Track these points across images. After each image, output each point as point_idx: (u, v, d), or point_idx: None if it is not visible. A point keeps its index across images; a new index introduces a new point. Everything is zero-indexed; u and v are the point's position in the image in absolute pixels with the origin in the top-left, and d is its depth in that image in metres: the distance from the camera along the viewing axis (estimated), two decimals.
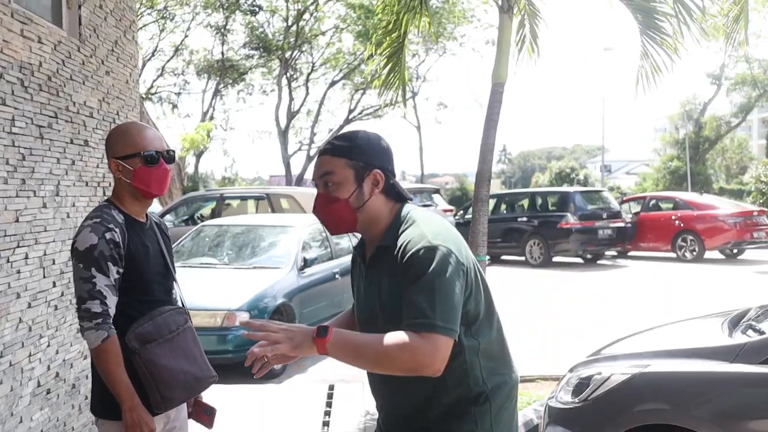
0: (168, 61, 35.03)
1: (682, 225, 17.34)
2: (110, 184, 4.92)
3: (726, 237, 16.89)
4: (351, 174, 2.15)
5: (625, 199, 20.90)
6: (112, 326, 2.56)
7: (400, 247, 2.07)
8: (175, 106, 37.44)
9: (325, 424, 5.60)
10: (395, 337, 1.95)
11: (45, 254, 3.99)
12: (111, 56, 5.08)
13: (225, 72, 35.87)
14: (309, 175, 41.54)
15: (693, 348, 3.70)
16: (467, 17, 31.66)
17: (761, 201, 20.70)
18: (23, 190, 3.76)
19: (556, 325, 9.71)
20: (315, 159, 2.29)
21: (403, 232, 2.12)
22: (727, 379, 3.42)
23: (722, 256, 17.80)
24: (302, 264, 8.51)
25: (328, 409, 5.98)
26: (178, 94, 37.53)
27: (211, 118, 36.37)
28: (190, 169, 34.95)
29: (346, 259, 9.52)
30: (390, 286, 2.10)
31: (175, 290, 2.90)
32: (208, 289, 7.65)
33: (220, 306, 7.18)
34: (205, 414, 2.97)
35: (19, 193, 3.71)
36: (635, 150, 77.96)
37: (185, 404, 2.91)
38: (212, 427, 3.01)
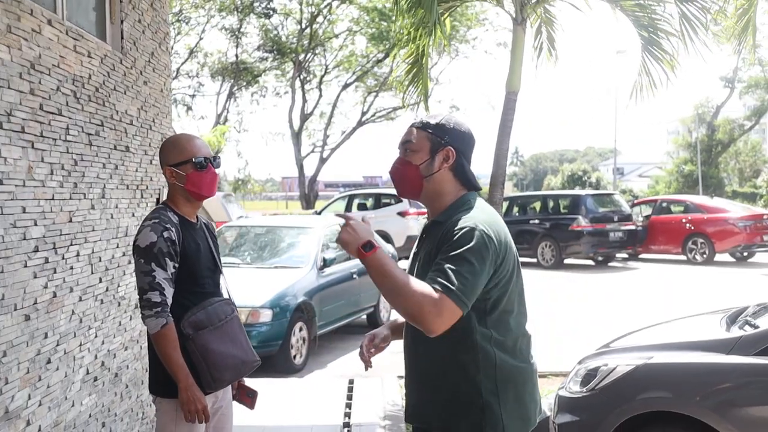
0: (183, 63, 35.41)
1: (692, 228, 17.56)
2: (148, 187, 5.27)
3: (736, 240, 17.10)
4: (427, 145, 2.44)
5: (636, 202, 21.11)
6: (170, 314, 2.91)
7: (449, 225, 2.32)
8: (189, 108, 37.85)
9: (346, 415, 5.90)
10: (418, 285, 2.18)
11: (93, 252, 4.31)
12: (148, 67, 5.41)
13: (239, 74, 36.22)
14: (322, 176, 41.88)
15: (693, 341, 3.99)
16: (480, 20, 31.87)
17: None
18: (75, 193, 4.08)
19: (567, 325, 9.99)
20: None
21: (457, 214, 2.36)
22: (723, 370, 3.71)
23: (732, 259, 17.99)
24: (321, 264, 8.81)
25: (348, 401, 6.27)
26: (193, 96, 37.93)
27: (225, 120, 36.71)
28: None
29: None
30: (426, 257, 2.39)
31: (222, 283, 3.24)
32: (232, 288, 7.98)
33: (245, 303, 7.49)
34: (247, 396, 3.30)
35: (72, 195, 4.04)
36: (648, 153, 77.79)
37: (230, 386, 3.23)
38: (254, 409, 3.33)
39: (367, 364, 2.71)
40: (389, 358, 3.13)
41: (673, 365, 3.89)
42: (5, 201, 3.31)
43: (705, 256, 17.27)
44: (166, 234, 2.93)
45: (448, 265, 2.20)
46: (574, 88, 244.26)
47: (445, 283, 2.17)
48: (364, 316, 10.17)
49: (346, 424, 5.64)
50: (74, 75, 4.08)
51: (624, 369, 3.99)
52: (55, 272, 3.81)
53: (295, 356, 8.04)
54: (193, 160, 3.02)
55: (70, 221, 4.02)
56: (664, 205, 19.19)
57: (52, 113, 3.80)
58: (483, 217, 2.33)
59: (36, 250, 3.61)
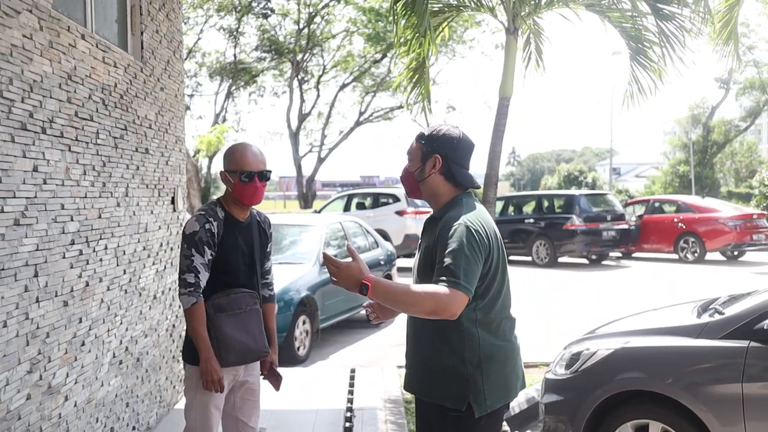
0: (182, 62, 35.60)
1: (684, 227, 17.96)
2: (164, 186, 5.66)
3: (726, 239, 17.48)
4: (419, 154, 2.89)
5: (629, 201, 21.50)
6: (201, 295, 3.36)
7: (442, 222, 2.73)
8: (187, 108, 38.11)
9: (349, 401, 6.27)
10: (425, 290, 2.56)
11: (118, 246, 4.70)
12: (164, 74, 5.79)
13: (237, 74, 36.44)
14: (320, 176, 42.21)
15: (666, 327, 4.39)
16: (476, 22, 32.18)
17: (765, 205, 21.20)
18: (104, 192, 4.47)
19: (559, 320, 10.38)
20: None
21: (449, 211, 2.78)
22: (693, 352, 4.10)
23: (723, 258, 18.37)
24: (323, 261, 9.18)
25: (351, 389, 6.65)
26: (191, 96, 38.09)
27: (224, 119, 36.92)
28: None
29: (364, 257, 10.21)
30: (425, 249, 2.81)
31: (259, 278, 3.62)
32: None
33: None
34: (275, 379, 3.76)
35: (101, 194, 4.42)
36: (644, 153, 78.27)
37: (258, 364, 3.66)
38: (278, 390, 3.81)
39: (370, 316, 3.21)
40: (389, 350, 3.55)
41: (648, 348, 4.28)
42: (48, 199, 3.70)
43: (696, 254, 17.68)
44: (207, 225, 3.37)
45: (448, 263, 2.58)
46: (571, 89, 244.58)
47: (451, 278, 2.55)
48: (364, 311, 10.54)
49: (349, 409, 6.02)
50: (103, 84, 4.47)
51: (604, 353, 4.39)
52: (87, 263, 4.20)
53: (298, 348, 8.42)
54: (240, 171, 3.42)
55: (100, 217, 4.41)
56: (657, 204, 19.59)
57: (85, 119, 4.18)
58: (470, 214, 2.72)
59: (72, 243, 4.00)
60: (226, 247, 3.42)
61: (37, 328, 3.57)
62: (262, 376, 3.74)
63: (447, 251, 2.61)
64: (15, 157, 3.37)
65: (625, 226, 18.20)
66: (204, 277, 3.38)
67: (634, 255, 19.55)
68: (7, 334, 3.28)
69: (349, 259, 2.62)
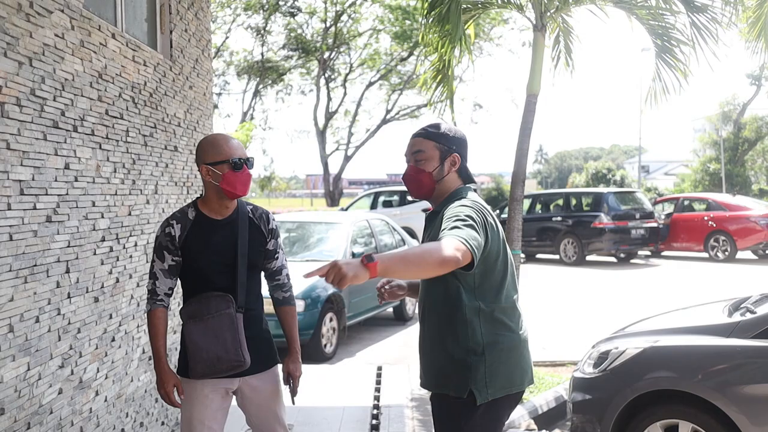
0: (211, 61, 35.86)
1: (714, 225, 17.74)
2: (193, 184, 5.70)
3: (758, 237, 17.24)
4: (437, 154, 2.88)
5: (658, 199, 21.29)
6: (158, 302, 3.14)
7: (442, 212, 2.74)
8: (215, 107, 38.38)
9: (376, 398, 6.29)
10: (433, 243, 2.46)
11: (147, 243, 4.74)
12: (193, 73, 5.84)
13: (264, 73, 36.63)
14: (346, 174, 42.31)
15: (696, 326, 4.35)
16: (503, 19, 32.04)
17: None
18: (134, 189, 4.52)
19: (587, 319, 10.31)
20: (409, 140, 2.97)
21: (449, 203, 2.78)
22: (723, 351, 4.05)
23: (754, 257, 18.13)
24: (351, 257, 9.21)
25: (377, 386, 6.67)
26: (219, 94, 38.36)
27: (251, 118, 37.14)
28: None
29: None
30: (429, 241, 2.79)
31: (244, 279, 3.15)
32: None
33: None
34: (290, 391, 3.36)
35: (131, 191, 4.47)
36: (674, 150, 77.30)
37: (264, 376, 3.23)
38: (294, 404, 3.44)
39: (381, 298, 3.14)
40: (415, 348, 3.39)
41: (677, 347, 4.24)
42: (79, 196, 3.75)
43: (727, 253, 17.46)
44: (167, 230, 3.12)
45: (452, 223, 2.56)
46: (600, 86, 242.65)
47: (454, 230, 2.50)
48: (391, 309, 10.57)
49: (376, 406, 6.03)
50: (133, 82, 4.51)
51: (632, 351, 4.35)
52: (117, 260, 4.25)
53: (325, 345, 8.45)
54: (230, 160, 3.10)
55: (130, 214, 4.46)
56: (686, 202, 19.38)
57: (116, 117, 4.23)
58: (471, 201, 2.75)
59: (103, 239, 4.05)
60: (193, 249, 3.11)
61: (68, 323, 3.62)
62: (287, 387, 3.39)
63: (448, 220, 2.61)
64: (47, 155, 3.42)
65: (654, 224, 18.01)
66: (163, 283, 3.15)
67: (664, 253, 19.36)
68: (39, 329, 3.33)
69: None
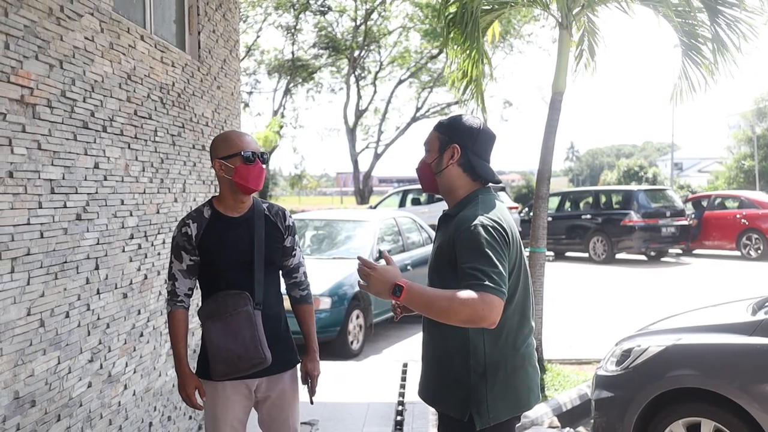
0: (240, 61, 36.13)
1: (746, 223, 17.52)
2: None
3: None
4: (437, 144, 2.71)
5: (689, 197, 21.06)
6: (178, 303, 3.15)
7: (456, 220, 2.56)
8: (246, 105, 38.65)
9: (401, 395, 6.34)
10: (460, 294, 2.34)
11: None
12: (221, 73, 5.93)
13: (295, 71, 36.83)
14: (376, 172, 42.43)
15: (719, 324, 4.33)
16: (534, 16, 31.87)
17: None
18: (162, 188, 4.62)
19: (615, 317, 10.26)
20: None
21: (464, 208, 2.60)
22: (746, 350, 4.03)
23: None
24: (377, 255, 9.26)
25: (403, 383, 6.72)
26: (250, 93, 38.68)
27: (282, 116, 37.42)
28: None
29: (418, 252, 10.28)
30: (438, 249, 2.66)
31: (261, 277, 3.14)
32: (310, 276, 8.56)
33: None
34: (309, 391, 3.36)
35: (159, 189, 4.57)
36: (708, 148, 76.15)
37: (283, 376, 3.23)
38: (312, 404, 3.40)
39: (397, 316, 2.98)
40: None
41: (700, 345, 4.23)
42: (108, 194, 3.84)
43: (759, 251, 17.23)
44: (183, 229, 3.12)
45: (471, 266, 2.40)
46: (632, 82, 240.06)
47: (479, 282, 2.36)
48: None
49: (401, 402, 6.08)
50: (161, 83, 4.61)
51: (655, 349, 4.35)
52: (146, 257, 4.35)
53: (352, 342, 8.52)
54: (242, 153, 3.07)
55: (158, 212, 4.55)
56: (719, 200, 19.15)
57: (144, 117, 4.33)
58: (484, 211, 2.54)
59: (131, 237, 4.15)
60: (210, 248, 3.11)
61: (97, 318, 3.73)
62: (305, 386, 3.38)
63: (467, 256, 2.44)
64: (77, 155, 3.52)
65: (686, 222, 17.82)
66: (183, 284, 3.15)
67: (695, 252, 19.15)
68: (69, 324, 3.43)
69: (383, 262, 2.52)
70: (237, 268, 3.11)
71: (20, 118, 3.03)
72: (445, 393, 2.64)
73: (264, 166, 3.17)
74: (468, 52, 6.36)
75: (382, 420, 5.68)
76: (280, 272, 3.34)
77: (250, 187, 3.10)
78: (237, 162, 3.08)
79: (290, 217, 3.33)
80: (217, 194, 3.27)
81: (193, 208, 5.11)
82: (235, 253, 3.11)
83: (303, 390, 3.36)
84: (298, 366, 3.34)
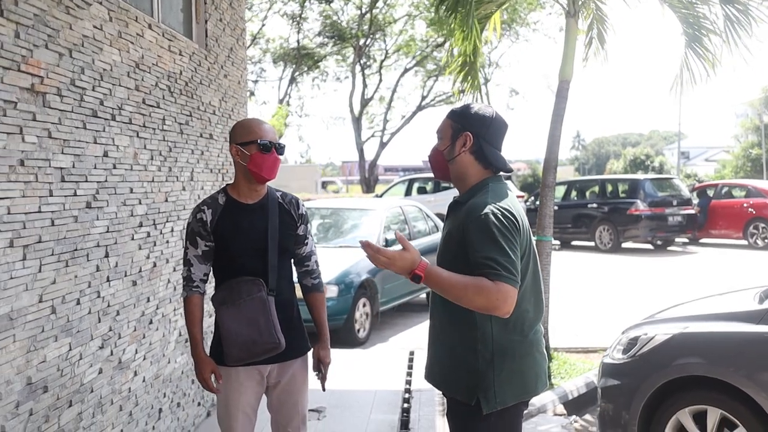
0: (246, 49, 36.07)
1: (754, 212, 17.48)
2: (228, 171, 5.81)
3: None
4: (449, 132, 2.74)
5: (696, 186, 21.01)
6: (194, 288, 3.17)
7: (466, 208, 2.59)
8: (252, 94, 38.66)
9: (407, 382, 6.37)
10: (475, 282, 2.39)
11: (183, 228, 4.86)
12: (228, 61, 5.94)
13: (300, 60, 36.78)
14: (382, 161, 42.40)
15: (726, 312, 4.33)
16: (540, 3, 31.75)
17: None
18: (170, 176, 4.64)
19: (621, 306, 10.27)
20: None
21: (474, 196, 2.63)
22: (752, 338, 4.04)
23: None
24: (384, 244, 9.29)
25: (409, 370, 6.75)
26: (255, 81, 38.64)
27: (288, 104, 37.39)
28: None
29: (424, 241, 10.30)
30: (447, 235, 2.71)
31: (274, 264, 3.17)
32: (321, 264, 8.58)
33: None
34: (321, 378, 3.39)
35: (167, 178, 4.59)
36: (715, 136, 75.83)
37: (294, 363, 3.26)
38: (324, 390, 3.42)
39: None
40: None
41: (707, 334, 4.24)
42: (118, 183, 3.87)
43: (766, 240, 17.20)
44: (198, 215, 3.16)
45: (483, 256, 2.43)
46: (638, 71, 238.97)
47: (494, 271, 2.39)
48: (423, 295, 10.63)
49: (407, 390, 6.11)
50: (169, 72, 4.62)
51: (662, 338, 4.36)
52: (155, 245, 4.38)
53: (358, 330, 8.56)
54: (259, 141, 3.11)
55: (166, 201, 4.58)
56: (725, 189, 19.10)
57: (152, 106, 4.34)
58: (494, 199, 2.57)
59: (140, 225, 4.17)
60: (224, 235, 3.14)
61: (108, 306, 3.75)
62: (316, 373, 3.41)
63: (478, 245, 2.47)
64: (86, 143, 3.54)
65: (692, 211, 17.78)
66: (198, 269, 3.18)
67: (702, 241, 19.12)
68: (80, 311, 3.46)
69: (399, 247, 2.52)
70: (251, 255, 3.14)
71: (31, 107, 3.05)
72: (453, 377, 2.67)
73: (280, 156, 3.20)
74: (462, 29, 6.32)
75: (389, 407, 5.71)
76: (292, 260, 3.36)
77: (263, 175, 3.14)
78: (253, 149, 3.12)
79: (303, 205, 3.37)
80: (231, 182, 3.31)
81: (200, 197, 5.17)
82: (249, 239, 3.15)
83: (311, 377, 3.39)
84: (309, 353, 3.36)
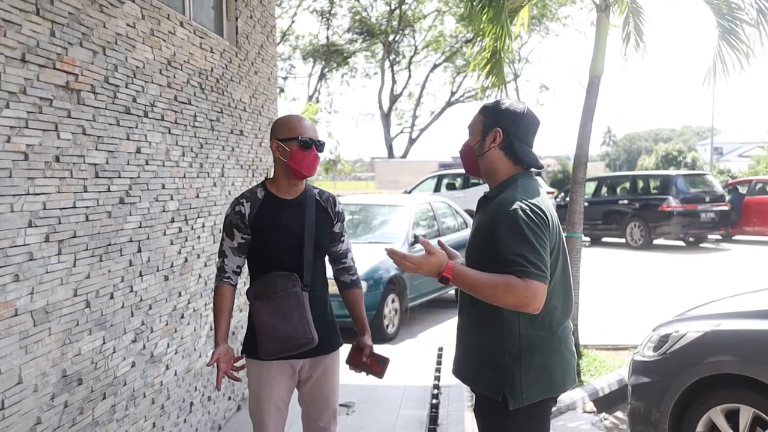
0: (275, 46, 36.30)
1: None
2: (258, 167, 5.85)
3: None
4: (480, 127, 2.75)
5: (729, 182, 20.71)
6: (224, 279, 3.22)
7: (495, 203, 2.60)
8: (282, 90, 38.87)
9: (436, 378, 6.38)
10: (504, 281, 2.40)
11: (214, 224, 4.92)
12: (258, 58, 5.98)
13: (330, 56, 36.92)
14: (411, 157, 42.38)
15: (759, 310, 4.28)
16: None
17: None
18: (201, 172, 4.69)
19: (652, 303, 10.18)
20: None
21: (504, 191, 2.63)
22: None
23: None
24: (413, 240, 9.30)
25: (438, 366, 6.76)
26: (285, 78, 38.89)
27: (317, 101, 37.53)
28: None
29: (453, 237, 10.29)
30: (476, 230, 2.72)
31: (310, 260, 3.20)
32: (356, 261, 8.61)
33: None
34: (378, 365, 3.38)
35: (198, 174, 4.64)
36: (749, 131, 74.70)
37: (326, 358, 3.30)
38: (382, 378, 3.41)
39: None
40: None
41: (739, 331, 4.18)
42: (150, 179, 3.92)
43: None
44: (237, 208, 3.20)
45: (513, 252, 2.43)
46: (671, 65, 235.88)
47: (522, 268, 2.40)
48: (452, 291, 10.62)
49: (436, 386, 6.12)
50: (200, 69, 4.67)
51: (693, 335, 4.32)
52: (186, 240, 4.43)
53: (387, 326, 8.58)
54: (300, 138, 3.14)
55: (197, 197, 4.62)
56: (759, 186, 18.81)
57: (184, 103, 4.39)
58: (524, 195, 2.57)
59: (172, 220, 4.22)
60: (262, 230, 3.18)
61: (140, 300, 3.81)
62: (355, 370, 3.42)
63: (507, 242, 2.47)
64: (120, 140, 3.59)
65: (725, 208, 17.54)
66: (232, 261, 3.23)
67: (735, 238, 18.86)
68: (113, 305, 3.52)
69: (423, 252, 2.53)
70: (288, 250, 3.18)
71: (66, 104, 3.10)
72: (480, 373, 2.68)
73: (319, 154, 3.23)
74: (493, 24, 6.29)
75: (418, 403, 5.73)
76: (327, 258, 3.40)
77: (302, 172, 3.18)
78: (294, 146, 3.15)
79: (340, 203, 3.41)
80: (267, 177, 3.35)
81: (231, 193, 5.22)
82: (286, 234, 3.19)
83: (351, 373, 3.44)
84: (341, 349, 3.39)
